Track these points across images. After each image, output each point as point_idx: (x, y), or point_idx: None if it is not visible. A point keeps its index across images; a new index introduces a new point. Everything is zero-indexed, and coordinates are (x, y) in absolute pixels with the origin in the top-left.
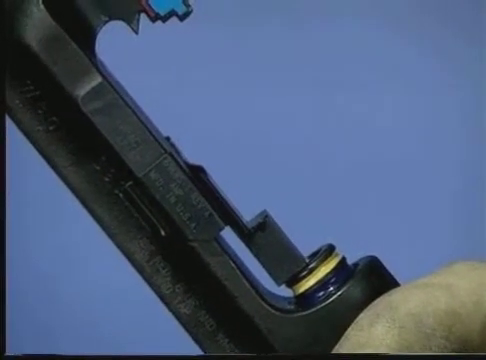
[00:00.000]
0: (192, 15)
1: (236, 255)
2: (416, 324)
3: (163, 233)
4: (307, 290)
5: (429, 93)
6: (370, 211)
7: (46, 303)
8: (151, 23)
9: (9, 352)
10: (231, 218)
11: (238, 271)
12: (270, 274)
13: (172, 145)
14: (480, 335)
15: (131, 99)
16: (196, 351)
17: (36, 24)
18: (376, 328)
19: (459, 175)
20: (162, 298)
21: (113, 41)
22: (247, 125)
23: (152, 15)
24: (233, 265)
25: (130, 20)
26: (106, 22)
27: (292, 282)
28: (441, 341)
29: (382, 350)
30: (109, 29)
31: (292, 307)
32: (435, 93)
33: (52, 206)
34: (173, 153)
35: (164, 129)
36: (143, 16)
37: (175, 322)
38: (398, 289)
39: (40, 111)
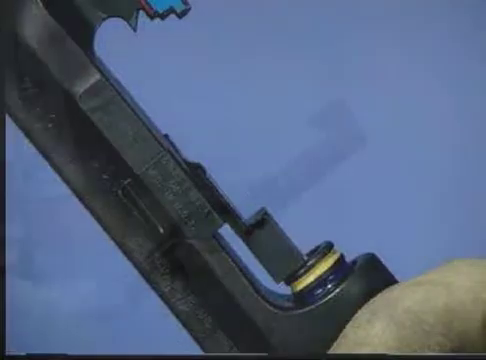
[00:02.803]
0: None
1: (234, 252)
2: (414, 321)
3: (161, 231)
4: (305, 287)
5: (421, 94)
6: (369, 209)
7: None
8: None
9: (9, 352)
10: (229, 215)
11: (236, 268)
12: (268, 271)
13: (170, 143)
14: (479, 332)
15: (129, 96)
16: (196, 351)
17: (35, 22)
18: (374, 325)
19: (456, 174)
20: (161, 296)
21: (111, 38)
22: (245, 123)
23: (151, 12)
24: (231, 262)
25: (129, 17)
26: (104, 19)
27: (290, 279)
28: (440, 338)
29: (380, 347)
30: (108, 26)
31: (291, 304)
32: (427, 94)
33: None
34: (171, 150)
35: (162, 126)
36: (141, 13)
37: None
38: (396, 286)
39: (38, 108)
